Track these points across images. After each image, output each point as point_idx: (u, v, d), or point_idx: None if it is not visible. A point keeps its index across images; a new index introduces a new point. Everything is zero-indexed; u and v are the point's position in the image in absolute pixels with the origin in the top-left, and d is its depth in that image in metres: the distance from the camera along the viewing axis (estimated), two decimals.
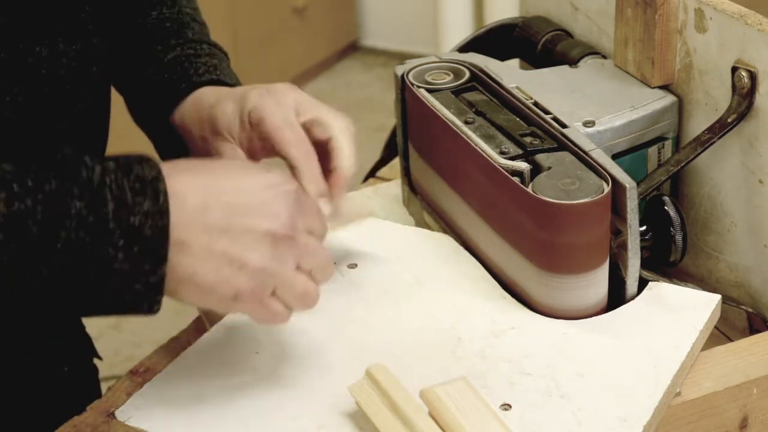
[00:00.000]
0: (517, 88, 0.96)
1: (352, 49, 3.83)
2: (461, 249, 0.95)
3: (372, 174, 1.19)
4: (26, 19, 0.79)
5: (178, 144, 0.94)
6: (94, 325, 1.06)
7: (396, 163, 1.12)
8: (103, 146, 0.91)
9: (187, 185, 0.73)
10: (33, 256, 0.68)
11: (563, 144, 0.89)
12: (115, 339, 2.37)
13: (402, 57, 2.94)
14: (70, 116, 0.83)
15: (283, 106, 0.87)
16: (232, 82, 0.94)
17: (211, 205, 0.73)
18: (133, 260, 0.69)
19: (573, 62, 1.05)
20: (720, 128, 0.90)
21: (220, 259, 0.72)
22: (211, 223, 0.72)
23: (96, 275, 0.69)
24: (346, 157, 0.87)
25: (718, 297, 0.87)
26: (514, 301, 0.88)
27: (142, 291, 0.70)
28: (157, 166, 0.71)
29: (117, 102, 0.98)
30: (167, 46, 0.96)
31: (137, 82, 0.96)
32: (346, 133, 0.87)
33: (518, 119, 0.93)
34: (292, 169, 0.86)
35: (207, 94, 0.92)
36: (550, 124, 0.91)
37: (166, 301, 0.74)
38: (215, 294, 0.73)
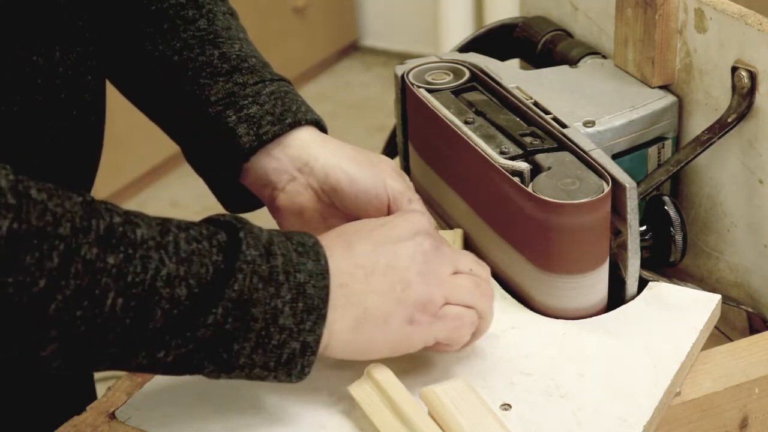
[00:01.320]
0: (517, 88, 0.96)
1: (352, 49, 3.83)
2: (461, 249, 0.94)
3: None
4: (23, 27, 0.78)
5: (247, 192, 0.92)
6: None
7: (396, 163, 1.12)
8: (98, 154, 0.91)
9: (327, 237, 0.77)
10: (209, 295, 0.69)
11: (563, 144, 0.89)
12: None
13: (402, 57, 2.94)
14: (63, 124, 0.83)
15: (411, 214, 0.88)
16: (324, 124, 0.92)
17: (353, 242, 0.76)
18: (297, 317, 0.71)
19: (573, 62, 1.05)
20: (720, 128, 0.90)
21: (383, 285, 0.75)
22: (362, 258, 0.76)
23: (262, 326, 0.71)
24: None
25: (718, 297, 0.87)
26: (514, 301, 0.88)
27: (298, 351, 0.72)
28: (315, 236, 0.75)
29: (111, 108, 0.98)
30: (263, 79, 0.91)
31: (219, 116, 0.90)
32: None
33: (518, 119, 0.93)
34: None
35: (338, 151, 0.89)
36: (550, 124, 0.91)
37: None
38: (392, 324, 0.75)
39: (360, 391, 0.77)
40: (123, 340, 0.69)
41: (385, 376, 0.77)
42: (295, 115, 0.89)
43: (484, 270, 0.81)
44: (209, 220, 0.74)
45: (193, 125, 0.92)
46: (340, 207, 0.89)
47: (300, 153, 0.89)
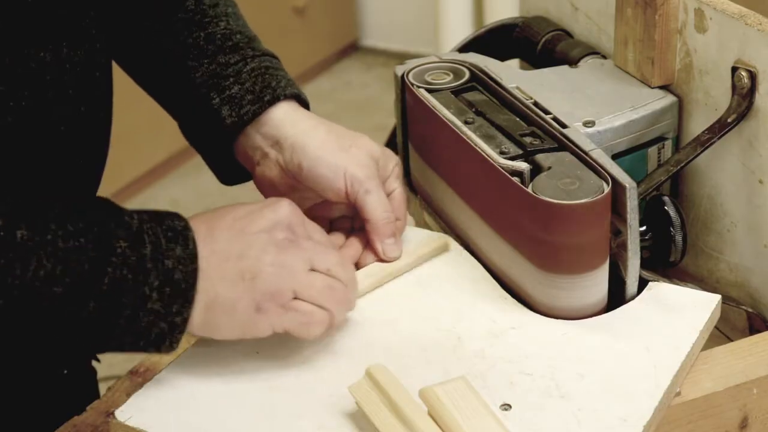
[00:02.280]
0: (517, 88, 0.96)
1: (352, 49, 3.83)
2: (461, 249, 0.94)
3: None
4: (30, 24, 0.79)
5: (239, 165, 0.95)
6: None
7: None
8: (105, 150, 0.91)
9: (196, 219, 0.79)
10: (83, 291, 0.73)
11: (563, 144, 0.89)
12: None
13: (402, 57, 2.94)
14: (71, 120, 0.83)
15: (380, 186, 0.91)
16: (305, 97, 0.94)
17: (216, 228, 0.79)
18: (164, 301, 0.75)
19: (573, 62, 1.05)
20: (720, 128, 0.90)
21: (233, 275, 0.77)
22: (219, 245, 0.78)
23: (131, 312, 0.74)
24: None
25: (718, 297, 0.87)
26: (514, 301, 0.88)
27: (167, 330, 0.76)
28: (185, 219, 0.78)
29: (118, 103, 0.98)
30: (244, 57, 0.94)
31: (206, 95, 0.93)
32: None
33: (518, 119, 0.93)
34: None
35: (309, 131, 0.92)
36: (550, 124, 0.91)
37: None
38: (238, 311, 0.77)
39: (360, 391, 0.77)
40: (16, 334, 0.74)
41: (384, 376, 0.77)
42: (274, 92, 0.92)
43: (344, 273, 0.82)
44: (90, 207, 0.76)
45: (184, 107, 0.96)
46: (302, 187, 0.91)
47: (273, 131, 0.92)
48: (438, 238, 0.95)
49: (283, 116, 0.92)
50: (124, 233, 0.74)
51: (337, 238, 0.92)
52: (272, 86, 0.92)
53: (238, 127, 0.92)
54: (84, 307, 0.73)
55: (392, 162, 0.93)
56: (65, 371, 0.97)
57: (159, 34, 0.95)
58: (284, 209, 0.82)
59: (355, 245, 0.91)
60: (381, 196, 0.90)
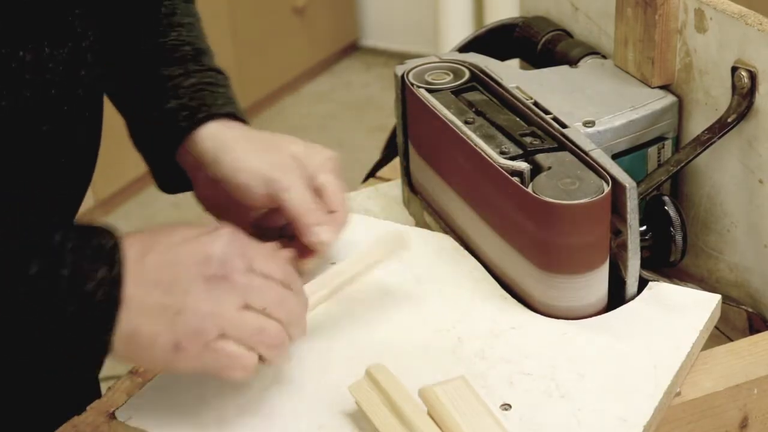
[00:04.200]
0: (517, 88, 0.96)
1: (352, 49, 3.83)
2: (461, 249, 0.95)
3: (372, 174, 1.19)
4: (9, 22, 0.77)
5: (180, 175, 0.94)
6: None
7: (396, 163, 1.12)
8: (94, 149, 0.91)
9: (132, 238, 0.74)
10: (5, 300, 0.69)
11: (563, 144, 0.89)
12: None
13: (402, 57, 2.94)
14: (55, 120, 0.83)
15: (301, 179, 0.88)
16: (244, 117, 0.94)
17: (149, 252, 0.73)
18: (83, 325, 0.70)
19: (573, 62, 1.05)
20: (720, 128, 0.90)
21: (156, 309, 0.72)
22: (147, 275, 0.72)
23: (45, 339, 0.71)
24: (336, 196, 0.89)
25: (718, 297, 0.87)
26: (514, 301, 0.88)
27: (89, 353, 0.72)
28: (116, 237, 0.73)
29: (112, 108, 0.98)
30: (187, 71, 0.94)
31: (148, 105, 0.94)
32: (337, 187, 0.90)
33: (518, 119, 0.93)
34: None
35: (229, 143, 0.90)
36: (550, 124, 0.91)
37: None
38: (156, 347, 0.72)
39: (359, 390, 0.77)
40: None
41: (384, 375, 0.77)
42: (209, 109, 0.91)
43: (284, 312, 0.76)
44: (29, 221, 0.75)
45: (128, 112, 0.96)
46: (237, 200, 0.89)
47: (201, 147, 0.90)
48: (394, 238, 0.90)
49: (212, 133, 0.90)
50: (41, 253, 0.70)
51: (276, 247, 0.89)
52: (207, 104, 0.92)
53: (174, 143, 0.91)
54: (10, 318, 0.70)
55: (319, 157, 0.90)
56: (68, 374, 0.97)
57: (121, 36, 0.95)
58: (221, 241, 0.75)
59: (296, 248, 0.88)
60: (300, 192, 0.86)
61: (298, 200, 0.86)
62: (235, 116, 0.92)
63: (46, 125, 0.82)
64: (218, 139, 0.90)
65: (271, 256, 0.78)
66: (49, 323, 0.70)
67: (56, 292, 0.70)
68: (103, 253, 0.71)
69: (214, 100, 0.92)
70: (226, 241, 0.75)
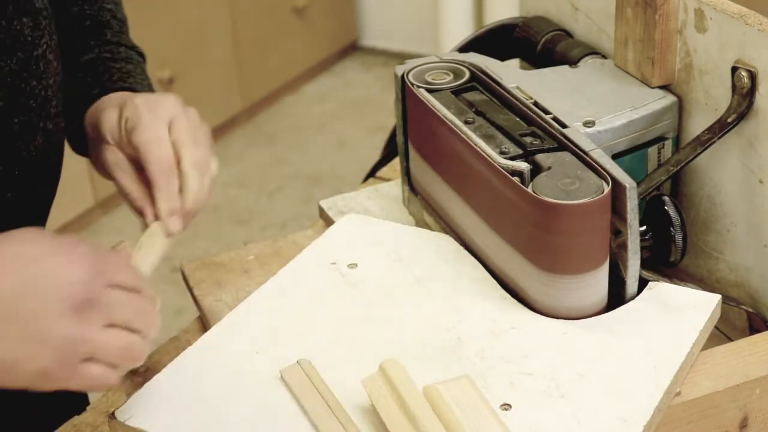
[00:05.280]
0: (517, 88, 0.96)
1: (352, 49, 3.83)
2: (461, 249, 0.95)
3: (372, 174, 1.19)
4: None
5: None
6: None
7: (396, 163, 1.12)
8: (57, 160, 0.91)
9: None
10: None
11: (563, 144, 0.89)
12: None
13: (402, 57, 2.95)
14: (4, 133, 0.83)
15: (159, 121, 0.85)
16: (143, 89, 0.93)
17: (3, 274, 0.69)
18: None
19: (573, 62, 1.05)
20: (720, 128, 0.90)
21: (19, 335, 0.69)
22: (3, 297, 0.69)
23: None
24: (191, 192, 0.85)
25: (718, 297, 0.87)
26: (514, 301, 0.88)
27: None
28: None
29: None
30: (85, 47, 0.95)
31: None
32: (196, 167, 0.85)
33: (518, 119, 0.93)
34: (150, 183, 0.84)
35: (106, 99, 0.91)
36: (550, 124, 0.91)
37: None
38: (21, 374, 0.70)
39: (372, 384, 0.77)
40: None
41: (397, 372, 0.77)
42: (103, 86, 0.93)
43: (144, 321, 0.74)
44: None
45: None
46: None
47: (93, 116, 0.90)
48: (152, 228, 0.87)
49: (99, 102, 0.91)
50: None
51: None
52: (103, 80, 0.93)
53: (80, 110, 0.92)
54: None
55: (187, 127, 0.87)
56: None
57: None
58: (82, 263, 0.71)
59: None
60: (163, 166, 0.84)
61: (158, 175, 0.83)
62: (133, 89, 0.93)
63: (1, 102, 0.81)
64: (103, 103, 0.91)
65: (123, 265, 0.76)
66: None
67: None
68: None
69: (110, 76, 0.93)
70: (87, 263, 0.71)
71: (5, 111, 0.82)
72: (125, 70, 0.95)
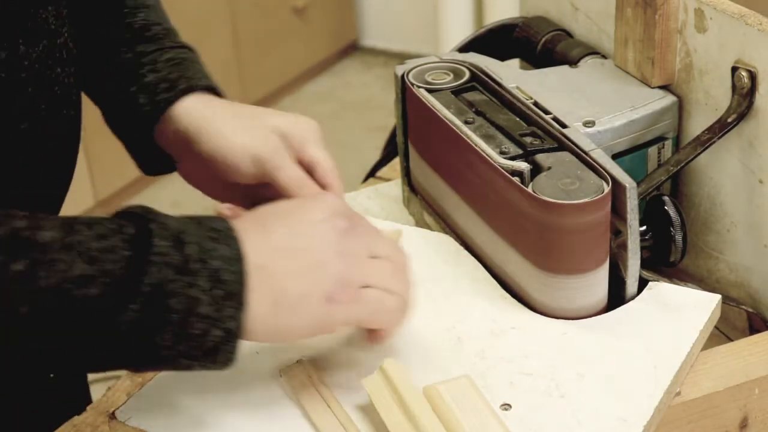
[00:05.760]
0: (517, 88, 0.96)
1: (352, 49, 3.84)
2: (461, 249, 0.95)
3: (372, 174, 1.19)
4: None
5: (160, 155, 0.93)
6: None
7: (396, 163, 1.12)
8: (75, 147, 0.90)
9: (242, 221, 0.75)
10: (122, 292, 0.68)
11: (563, 144, 0.89)
12: None
13: (402, 57, 2.95)
14: (33, 118, 0.82)
15: (298, 167, 0.87)
16: (221, 90, 0.93)
17: (269, 225, 0.75)
18: (217, 304, 0.70)
19: (573, 62, 1.05)
20: (720, 128, 0.90)
21: (300, 266, 0.74)
22: (278, 241, 0.75)
23: (180, 318, 0.69)
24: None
25: (718, 297, 0.87)
26: (514, 301, 0.88)
27: (222, 338, 0.71)
28: (227, 221, 0.74)
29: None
30: (162, 47, 0.94)
31: (125, 82, 0.93)
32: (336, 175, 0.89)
33: (518, 119, 0.93)
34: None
35: (210, 118, 0.89)
36: (550, 124, 0.91)
37: None
38: (310, 302, 0.74)
39: (372, 384, 0.77)
40: (46, 345, 0.68)
41: (398, 372, 0.77)
42: (189, 81, 0.91)
43: (402, 257, 0.80)
44: (118, 214, 0.73)
45: (104, 95, 0.95)
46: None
47: (184, 121, 0.89)
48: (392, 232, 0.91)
49: (192, 107, 0.89)
50: (164, 233, 0.70)
51: None
52: (187, 76, 0.91)
53: (154, 115, 0.90)
54: (123, 311, 0.67)
55: (302, 129, 0.89)
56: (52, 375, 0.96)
57: (88, 27, 0.94)
58: (334, 198, 0.80)
59: None
60: (292, 169, 0.86)
61: (292, 178, 0.86)
62: (214, 89, 0.92)
63: (23, 123, 0.81)
64: (199, 114, 0.89)
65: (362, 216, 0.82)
66: (185, 303, 0.69)
67: (188, 269, 0.69)
68: (219, 234, 0.72)
69: (193, 73, 0.92)
70: (337, 199, 0.79)
71: (34, 96, 0.82)
72: (205, 71, 0.94)
